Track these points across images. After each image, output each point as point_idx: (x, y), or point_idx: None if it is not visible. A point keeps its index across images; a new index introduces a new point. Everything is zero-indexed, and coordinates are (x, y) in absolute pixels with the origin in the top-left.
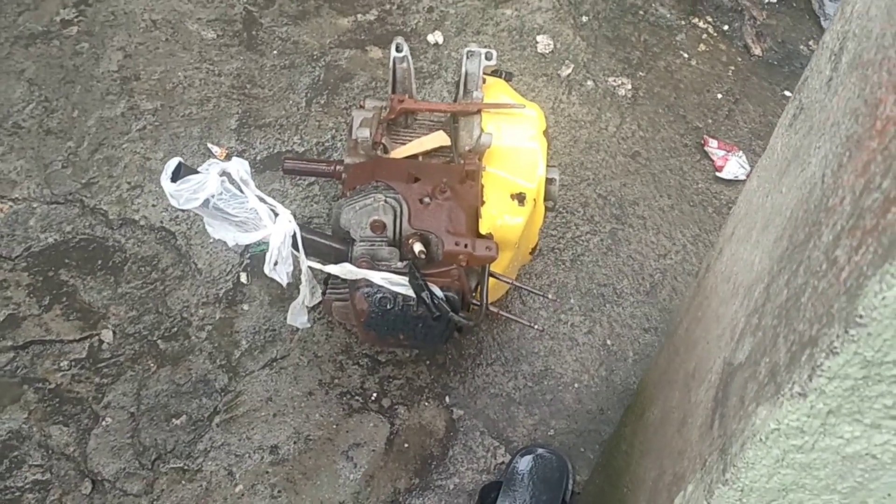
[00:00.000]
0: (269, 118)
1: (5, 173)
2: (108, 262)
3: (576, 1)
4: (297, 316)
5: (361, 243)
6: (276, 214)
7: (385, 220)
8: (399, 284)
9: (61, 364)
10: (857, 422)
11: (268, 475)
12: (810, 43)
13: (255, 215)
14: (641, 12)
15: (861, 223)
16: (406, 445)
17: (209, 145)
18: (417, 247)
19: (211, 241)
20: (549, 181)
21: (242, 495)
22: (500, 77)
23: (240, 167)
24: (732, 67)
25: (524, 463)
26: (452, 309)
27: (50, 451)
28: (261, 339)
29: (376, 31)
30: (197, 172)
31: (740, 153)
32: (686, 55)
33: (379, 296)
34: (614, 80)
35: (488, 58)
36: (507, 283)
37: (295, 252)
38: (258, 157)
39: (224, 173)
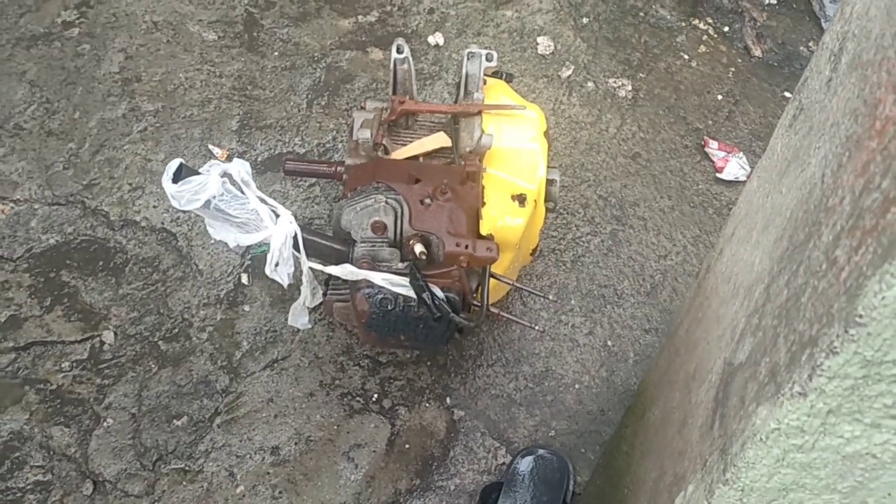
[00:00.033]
0: (270, 119)
1: (7, 175)
2: (109, 264)
3: (576, 2)
4: (298, 317)
5: (362, 244)
6: (277, 215)
7: (386, 221)
8: (400, 285)
9: (63, 365)
10: (857, 421)
11: (269, 476)
12: (810, 44)
13: (257, 216)
14: (642, 14)
15: (861, 223)
16: (407, 446)
17: (210, 147)
18: (418, 248)
19: (212, 242)
20: (549, 182)
21: (243, 496)
22: (500, 78)
23: (241, 168)
24: (733, 69)
25: (525, 464)
26: (453, 310)
27: (51, 452)
28: (262, 340)
29: (377, 32)
30: (198, 173)
31: (740, 154)
32: (686, 56)
33: (380, 297)
34: (615, 82)
35: (489, 59)
36: (508, 284)
37: (296, 253)
38: (259, 159)
39: (225, 174)
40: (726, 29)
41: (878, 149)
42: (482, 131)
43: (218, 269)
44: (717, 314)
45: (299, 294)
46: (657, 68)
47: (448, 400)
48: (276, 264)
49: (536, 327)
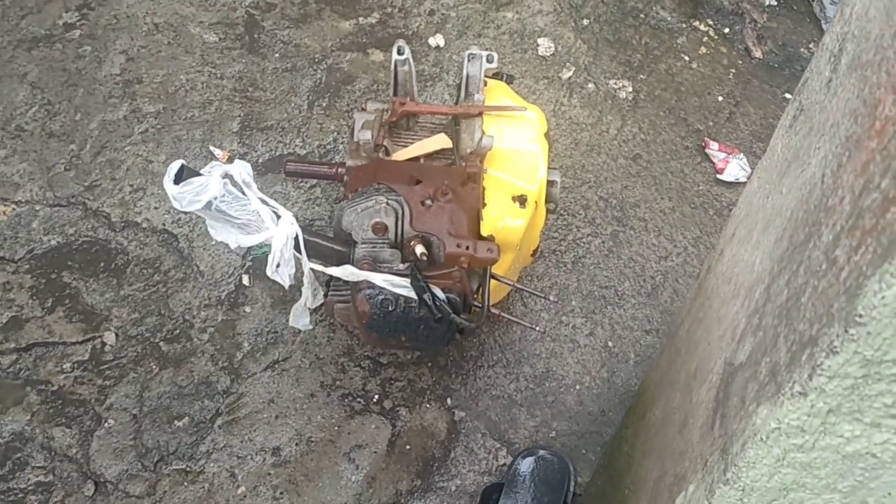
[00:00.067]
0: (270, 121)
1: (8, 176)
2: (110, 265)
3: (577, 4)
4: (299, 318)
5: (363, 245)
6: (279, 217)
7: (387, 222)
8: (401, 286)
9: (64, 366)
10: (857, 420)
11: (270, 477)
12: (811, 45)
13: (258, 217)
14: (642, 15)
15: (860, 223)
16: (408, 447)
17: (211, 148)
18: (419, 249)
19: (213, 243)
20: (550, 183)
21: (244, 497)
22: (501, 80)
23: (242, 169)
24: (733, 70)
25: (526, 464)
26: (454, 311)
27: (53, 453)
28: (263, 341)
29: (378, 34)
30: (200, 175)
31: (741, 155)
32: (687, 58)
33: (381, 297)
34: (615, 83)
35: (489, 60)
36: (509, 284)
37: (297, 254)
38: (260, 160)
39: (226, 176)
40: (727, 30)
41: (878, 149)
42: (483, 133)
43: (219, 271)
44: (717, 314)
45: (300, 295)
46: (658, 70)
47: (449, 401)
48: (278, 265)
49: (537, 328)
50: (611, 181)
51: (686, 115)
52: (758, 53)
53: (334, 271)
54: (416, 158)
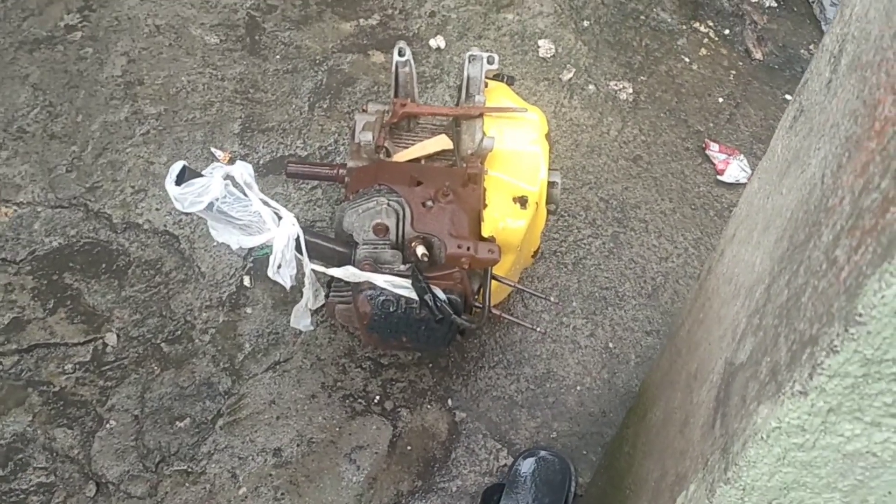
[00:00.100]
0: (271, 122)
1: (10, 177)
2: (111, 266)
3: (577, 6)
4: (301, 319)
5: (364, 246)
6: (280, 218)
7: (388, 223)
8: (402, 287)
9: (65, 367)
10: (857, 420)
11: (271, 478)
12: (811, 47)
13: (259, 218)
14: (643, 17)
15: (860, 223)
16: (409, 448)
17: (212, 149)
18: (420, 250)
19: (214, 244)
20: (550, 185)
21: (246, 498)
22: (501, 81)
23: (244, 171)
24: (733, 71)
25: (527, 465)
26: (455, 311)
27: (54, 454)
28: (264, 343)
29: (378, 35)
30: (201, 176)
31: (741, 157)
32: (687, 59)
33: (382, 298)
34: (616, 85)
35: (490, 62)
36: (510, 285)
37: (298, 255)
38: (261, 161)
39: (228, 177)
40: (727, 32)
41: (878, 149)
42: (484, 134)
43: (220, 272)
44: (718, 315)
45: (301, 296)
46: (658, 71)
47: (450, 402)
48: (279, 266)
49: (538, 329)
50: (611, 182)
51: (686, 116)
52: (758, 55)
53: (335, 272)
54: (417, 160)
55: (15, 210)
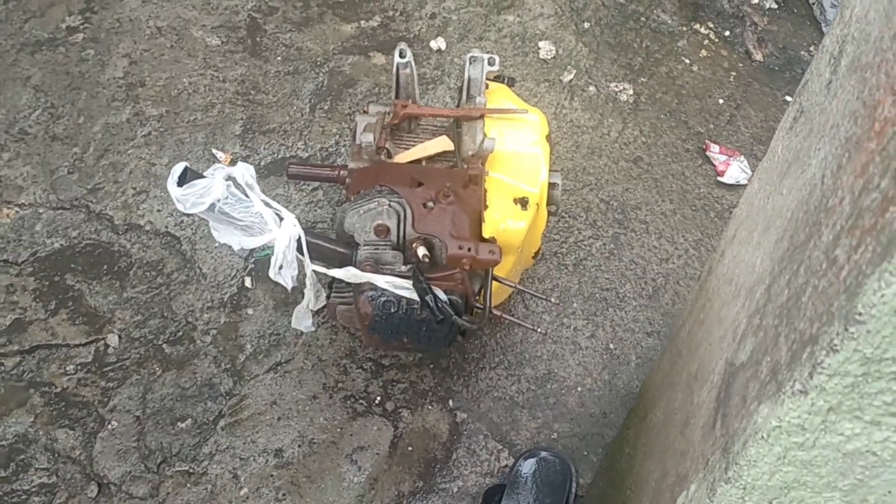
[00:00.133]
0: (273, 124)
1: (12, 179)
2: (113, 267)
3: (578, 7)
4: (302, 320)
5: (365, 247)
6: (281, 219)
7: (389, 224)
8: (403, 288)
9: (67, 368)
10: (857, 419)
11: (272, 478)
12: (811, 48)
13: (261, 219)
14: (643, 19)
15: (860, 223)
16: (410, 449)
17: (214, 151)
18: (421, 251)
19: (216, 245)
20: (551, 186)
21: (247, 498)
22: (502, 82)
23: (245, 172)
24: (734, 73)
25: (527, 466)
26: (456, 312)
27: (56, 455)
28: (265, 343)
29: (379, 37)
30: (203, 177)
31: (742, 158)
32: (688, 61)
33: (383, 299)
34: (616, 86)
35: (491, 63)
36: (511, 286)
37: (300, 256)
38: (262, 163)
39: (230, 178)
40: (727, 33)
41: (877, 149)
42: (484, 135)
43: (221, 273)
44: (718, 315)
45: (303, 297)
46: (658, 73)
47: (451, 402)
48: (280, 267)
49: (539, 330)
50: (612, 184)
51: (687, 117)
52: (758, 56)
53: (337, 273)
54: (418, 161)
55: (17, 211)
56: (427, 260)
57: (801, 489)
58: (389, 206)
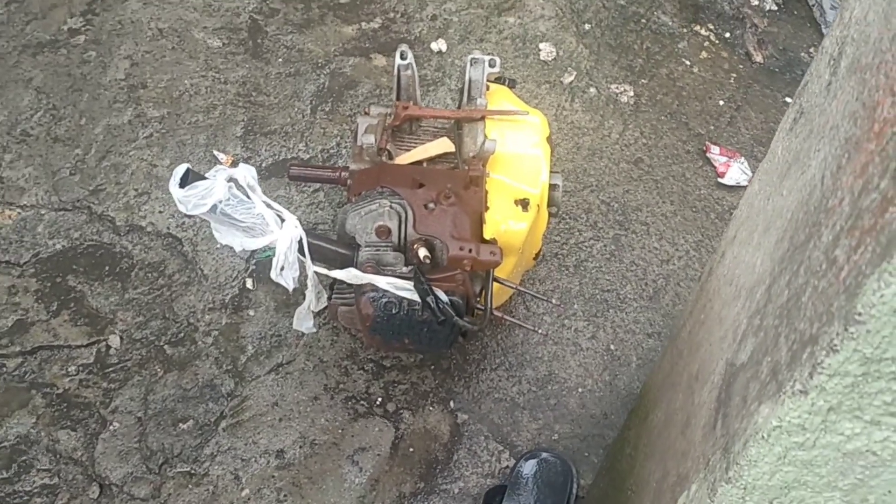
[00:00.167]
0: (274, 125)
1: (14, 180)
2: (115, 268)
3: (578, 9)
4: (303, 321)
5: (367, 248)
6: (283, 220)
7: (390, 225)
8: (404, 289)
9: (69, 369)
10: (857, 418)
11: (274, 479)
12: (811, 50)
13: (262, 221)
14: (644, 20)
15: (860, 223)
16: (411, 450)
17: (215, 152)
18: (422, 252)
19: (217, 247)
20: (552, 187)
21: (249, 499)
22: (503, 84)
23: (247, 173)
24: (734, 75)
25: (528, 467)
26: (457, 313)
27: (58, 456)
28: (267, 345)
29: (380, 39)
30: (205, 178)
31: (742, 159)
32: (688, 62)
33: (384, 300)
34: (617, 88)
35: (492, 65)
36: (512, 287)
37: (301, 257)
38: (263, 164)
39: (231, 179)
40: (728, 35)
41: (877, 150)
42: (485, 136)
43: (223, 274)
44: (719, 316)
45: (304, 298)
46: (659, 74)
47: (452, 403)
48: (282, 268)
49: (540, 331)
50: (613, 185)
51: (687, 119)
52: (758, 58)
53: (338, 274)
54: (419, 162)
55: (19, 213)
56: (428, 261)
57: (801, 489)
58: (391, 207)
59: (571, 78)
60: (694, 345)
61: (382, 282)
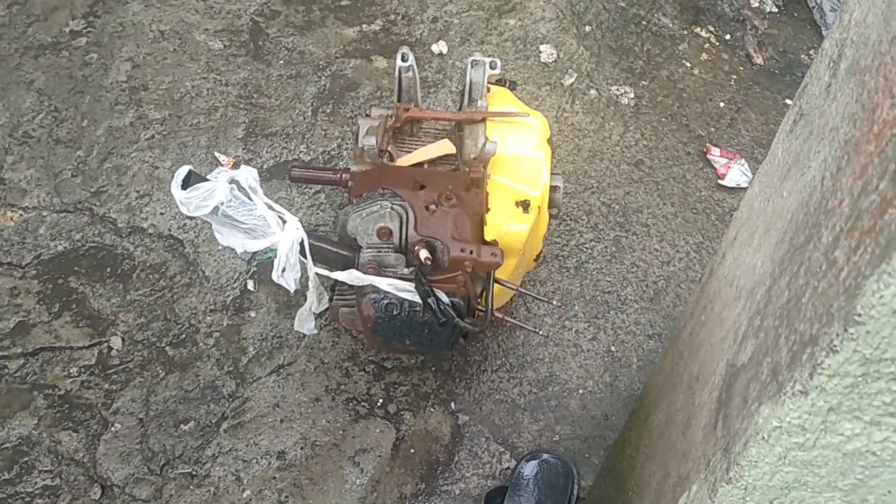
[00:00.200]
0: (275, 127)
1: (16, 182)
2: (116, 270)
3: (579, 11)
4: (304, 322)
5: (368, 250)
6: (284, 221)
7: (391, 226)
8: (405, 290)
9: (71, 370)
10: (856, 419)
11: (275, 480)
12: (811, 52)
13: (264, 222)
14: (644, 22)
15: (859, 224)
16: (412, 451)
17: (216, 154)
18: (423, 253)
19: (219, 248)
20: (553, 189)
21: (250, 500)
22: (504, 86)
23: (248, 175)
24: (734, 76)
25: (529, 468)
26: (458, 315)
27: (59, 457)
28: (268, 346)
29: (381, 41)
30: (207, 180)
31: (742, 161)
32: (688, 64)
33: (385, 302)
34: (617, 90)
35: (492, 67)
36: (512, 289)
37: (302, 259)
38: (265, 166)
39: (233, 181)
40: (728, 37)
41: (876, 152)
42: (486, 138)
43: (224, 276)
44: (719, 317)
45: (305, 300)
46: (659, 76)
47: (453, 405)
48: (283, 270)
49: (540, 332)
50: (613, 187)
51: (688, 121)
52: (759, 60)
53: (339, 276)
54: (420, 164)
55: (21, 214)
56: (429, 262)
57: (801, 489)
58: (392, 208)
59: (572, 80)
60: (695, 346)
61: (383, 283)
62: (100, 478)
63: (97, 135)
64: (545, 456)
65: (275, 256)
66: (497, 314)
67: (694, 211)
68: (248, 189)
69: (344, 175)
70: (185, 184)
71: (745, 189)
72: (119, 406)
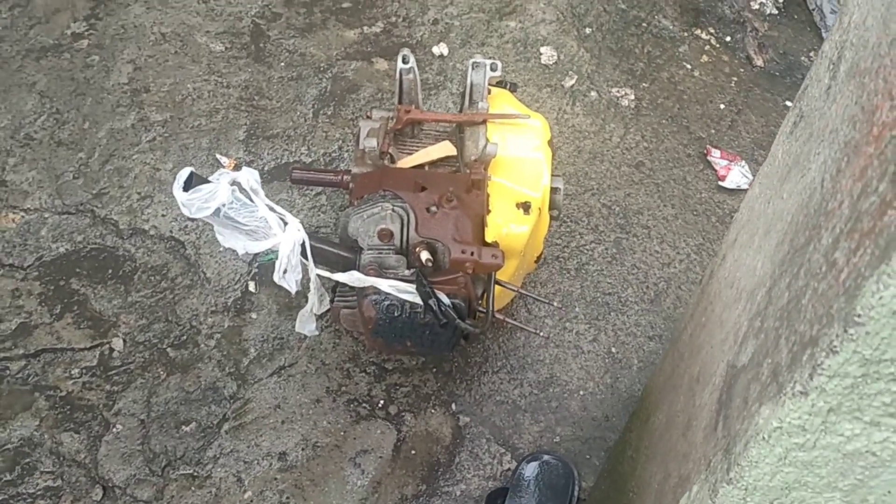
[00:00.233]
0: (276, 129)
1: (17, 184)
2: (118, 272)
3: (579, 13)
4: (306, 324)
5: (369, 251)
6: (286, 223)
7: (392, 228)
8: (406, 292)
9: (72, 372)
10: (856, 419)
11: (276, 482)
12: (811, 54)
13: (265, 224)
14: (644, 24)
15: (859, 226)
16: (413, 452)
17: (218, 156)
18: (424, 255)
19: (220, 250)
20: (553, 190)
21: (251, 502)
22: (504, 88)
23: (250, 177)
24: (735, 78)
25: (530, 469)
26: (459, 316)
27: (61, 458)
28: (269, 347)
29: (382, 43)
30: (208, 182)
31: (743, 163)
32: (689, 66)
33: (386, 303)
34: (618, 91)
35: (493, 69)
36: (513, 290)
37: (304, 260)
38: (266, 168)
39: (234, 183)
40: (728, 39)
41: (876, 153)
42: (487, 140)
43: (225, 277)
44: (720, 318)
45: (306, 301)
46: (660, 78)
47: (454, 406)
48: (285, 271)
49: (541, 334)
50: (614, 188)
51: (688, 123)
52: (759, 62)
53: (340, 277)
54: (421, 166)
55: (22, 216)
56: (430, 264)
57: (801, 490)
58: (393, 210)
59: (572, 82)
60: (695, 347)
61: (385, 285)
62: (101, 479)
63: (99, 137)
64: (546, 457)
65: (276, 258)
66: (498, 316)
67: (694, 213)
68: (249, 191)
69: (345, 177)
70: (187, 186)
71: (746, 191)
72: (120, 407)
